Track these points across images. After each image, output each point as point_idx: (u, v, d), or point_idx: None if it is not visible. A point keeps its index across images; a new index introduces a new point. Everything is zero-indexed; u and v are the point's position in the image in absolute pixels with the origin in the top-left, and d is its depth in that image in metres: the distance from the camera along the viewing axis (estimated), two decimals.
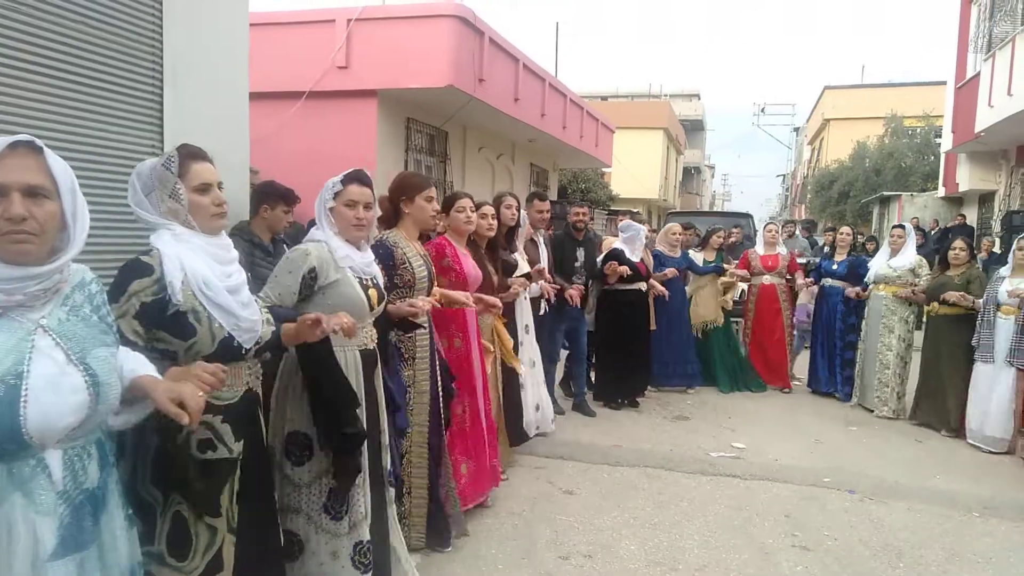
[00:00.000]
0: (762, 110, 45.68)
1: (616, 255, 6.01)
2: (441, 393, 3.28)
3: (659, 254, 6.90)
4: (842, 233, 7.35)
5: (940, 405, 5.94)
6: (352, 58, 10.03)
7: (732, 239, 11.64)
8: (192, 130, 3.33)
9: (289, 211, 4.07)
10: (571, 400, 6.26)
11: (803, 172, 41.99)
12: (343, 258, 2.48)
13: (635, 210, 28.07)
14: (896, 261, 6.48)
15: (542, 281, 5.00)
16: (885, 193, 21.39)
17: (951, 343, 5.86)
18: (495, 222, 4.10)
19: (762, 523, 3.89)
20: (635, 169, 29.22)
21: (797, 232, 13.50)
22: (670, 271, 6.65)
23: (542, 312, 5.29)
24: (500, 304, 3.77)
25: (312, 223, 5.10)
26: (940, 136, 22.63)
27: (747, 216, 13.89)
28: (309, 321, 2.11)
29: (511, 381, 4.49)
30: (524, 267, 4.71)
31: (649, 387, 6.71)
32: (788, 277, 7.37)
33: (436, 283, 3.24)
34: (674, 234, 6.94)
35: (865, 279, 6.68)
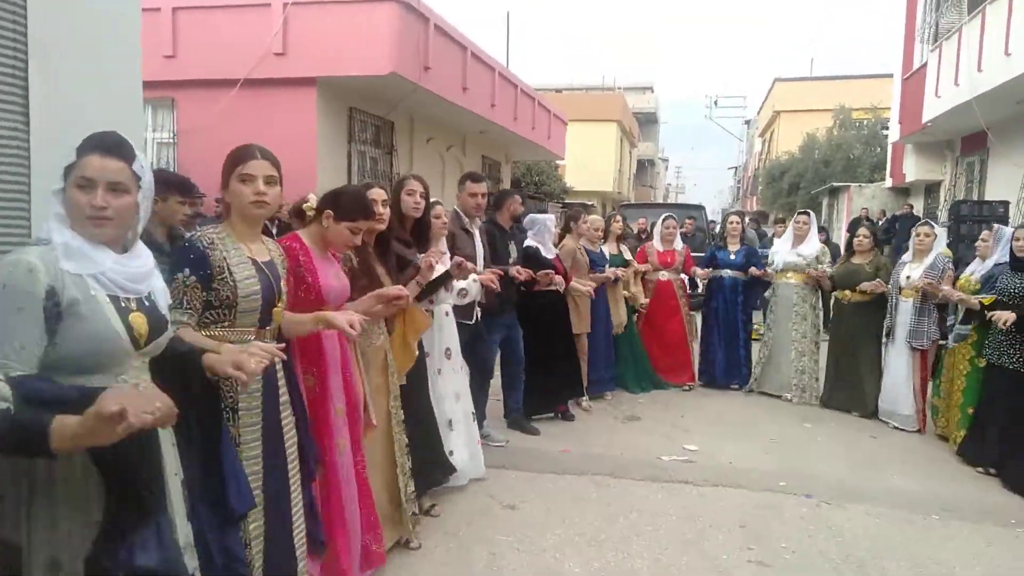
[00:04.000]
0: (715, 102, 46.04)
1: (532, 254, 5.42)
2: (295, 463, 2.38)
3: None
4: (732, 223, 7.15)
5: (854, 389, 6.12)
6: (289, 44, 9.53)
7: (684, 230, 11.59)
8: (69, 121, 2.88)
9: (185, 202, 3.64)
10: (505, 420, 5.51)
11: (754, 164, 42.47)
12: (78, 264, 1.61)
13: (590, 203, 27.99)
14: (803, 249, 6.53)
15: (476, 275, 4.18)
16: (834, 184, 21.63)
17: (861, 328, 6.11)
18: (384, 212, 3.19)
19: (716, 535, 3.63)
20: (589, 162, 29.10)
21: (745, 224, 13.47)
22: (611, 272, 6.25)
23: (474, 320, 4.60)
24: (404, 294, 2.86)
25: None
26: (887, 128, 23.01)
27: (700, 208, 13.81)
28: (105, 415, 1.32)
29: (422, 411, 3.65)
30: (440, 269, 3.80)
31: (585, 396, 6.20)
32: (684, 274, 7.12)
33: (282, 300, 2.31)
34: (596, 229, 6.40)
35: (772, 267, 6.69)
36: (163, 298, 1.82)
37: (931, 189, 16.35)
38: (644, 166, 46.70)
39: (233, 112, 9.65)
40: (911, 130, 14.38)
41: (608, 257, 6.55)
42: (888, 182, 18.52)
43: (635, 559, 3.37)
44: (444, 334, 4.00)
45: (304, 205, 2.74)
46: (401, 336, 3.34)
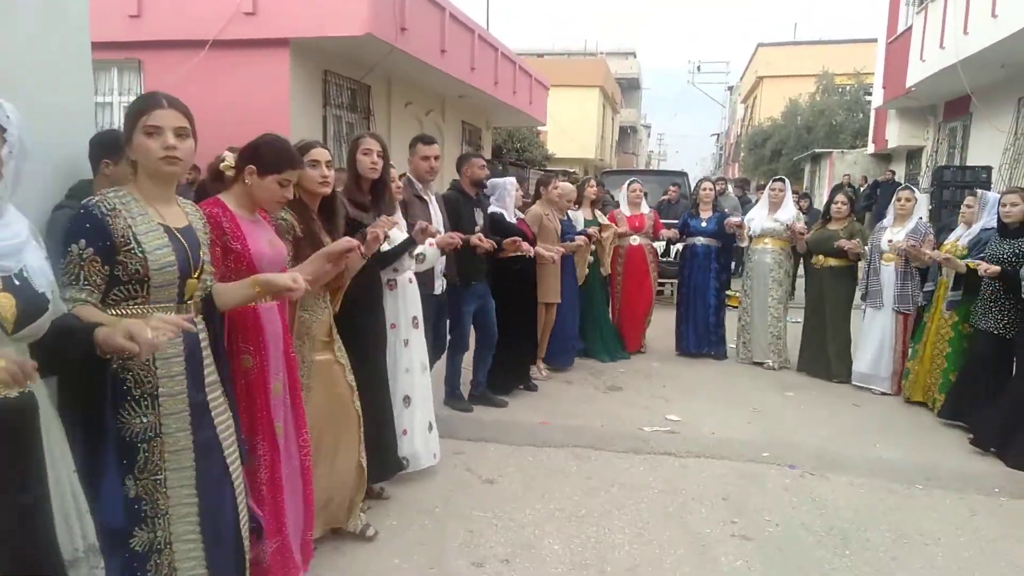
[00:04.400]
0: (697, 68, 45.63)
1: (498, 220, 5.19)
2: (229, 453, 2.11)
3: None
4: (704, 189, 7.04)
5: (828, 354, 6.17)
6: (260, 3, 9.16)
7: (667, 197, 11.42)
8: (11, 74, 2.66)
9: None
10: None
11: (736, 131, 42.30)
12: None
13: (571, 170, 27.75)
14: (780, 215, 6.51)
15: (434, 240, 3.92)
16: (817, 150, 21.57)
17: (835, 294, 6.13)
18: (329, 173, 2.84)
19: (699, 508, 3.56)
20: (571, 128, 28.78)
21: (729, 190, 13.35)
22: (581, 239, 6.05)
23: (439, 291, 4.41)
24: (354, 244, 2.57)
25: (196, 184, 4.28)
26: (870, 93, 22.92)
27: (682, 174, 13.62)
28: None
29: (376, 396, 3.35)
30: (399, 237, 3.66)
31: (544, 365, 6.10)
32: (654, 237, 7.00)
33: (204, 271, 2.05)
34: (568, 199, 6.18)
35: (749, 233, 6.62)
36: (41, 275, 1.60)
37: (913, 155, 16.33)
38: (626, 133, 46.35)
39: (202, 75, 9.31)
40: (894, 95, 14.27)
41: (582, 224, 6.44)
42: (870, 148, 18.48)
43: (616, 534, 3.28)
44: (409, 302, 3.78)
45: (221, 165, 2.47)
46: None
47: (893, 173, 16.33)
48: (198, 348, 2.02)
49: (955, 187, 9.72)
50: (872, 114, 18.17)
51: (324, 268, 2.58)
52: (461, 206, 4.77)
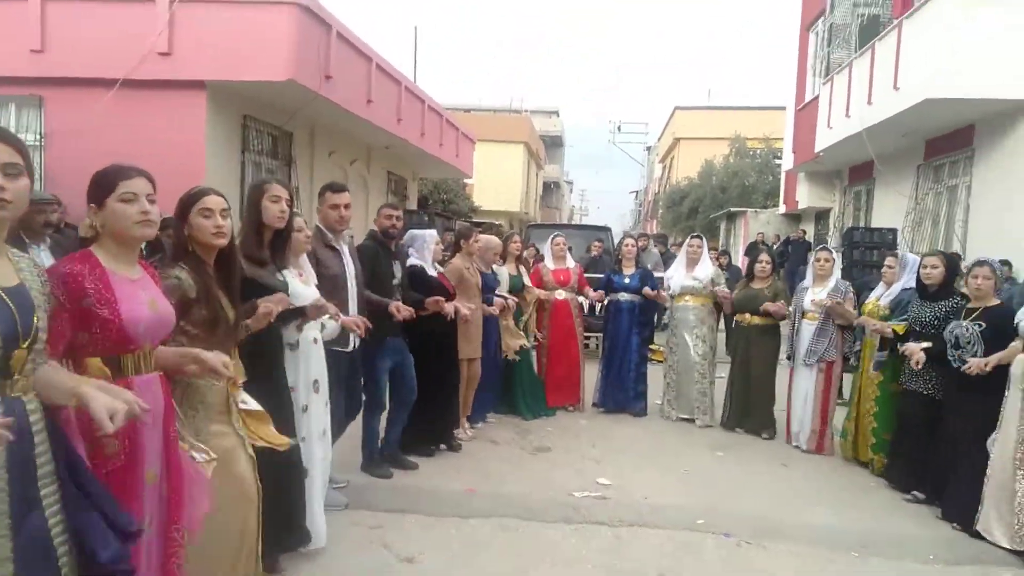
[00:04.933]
0: (618, 128, 47.17)
1: (419, 274, 4.98)
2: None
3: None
4: (627, 245, 7.07)
5: (754, 412, 6.21)
6: (176, 44, 8.78)
7: (593, 253, 11.47)
8: None
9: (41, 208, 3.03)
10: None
11: (655, 189, 43.72)
12: None
13: (497, 222, 27.88)
14: (698, 272, 6.55)
15: (338, 316, 3.59)
16: (732, 209, 22.38)
17: (761, 351, 6.19)
18: (224, 223, 2.50)
19: None
20: (497, 182, 29.07)
21: (651, 246, 13.58)
22: (499, 303, 5.84)
23: (351, 348, 4.10)
24: (227, 373, 2.25)
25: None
26: (779, 157, 24.11)
27: (606, 229, 13.80)
28: None
29: (284, 457, 2.92)
30: (305, 293, 3.38)
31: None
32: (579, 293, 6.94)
33: (38, 340, 1.69)
34: (495, 253, 6.06)
35: (669, 292, 6.70)
36: None
37: (821, 216, 17.10)
38: (550, 188, 47.23)
39: (112, 115, 8.81)
40: (804, 159, 14.97)
41: (506, 279, 6.29)
42: (782, 208, 19.29)
43: None
44: (312, 365, 3.49)
45: (83, 224, 2.17)
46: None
47: (804, 232, 17.03)
48: (28, 435, 1.65)
49: (864, 247, 10.15)
50: (783, 176, 19.03)
51: (188, 368, 2.24)
52: (378, 257, 4.54)
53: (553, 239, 6.97)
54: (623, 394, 6.78)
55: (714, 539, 3.92)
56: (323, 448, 3.60)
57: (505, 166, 30.16)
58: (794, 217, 18.73)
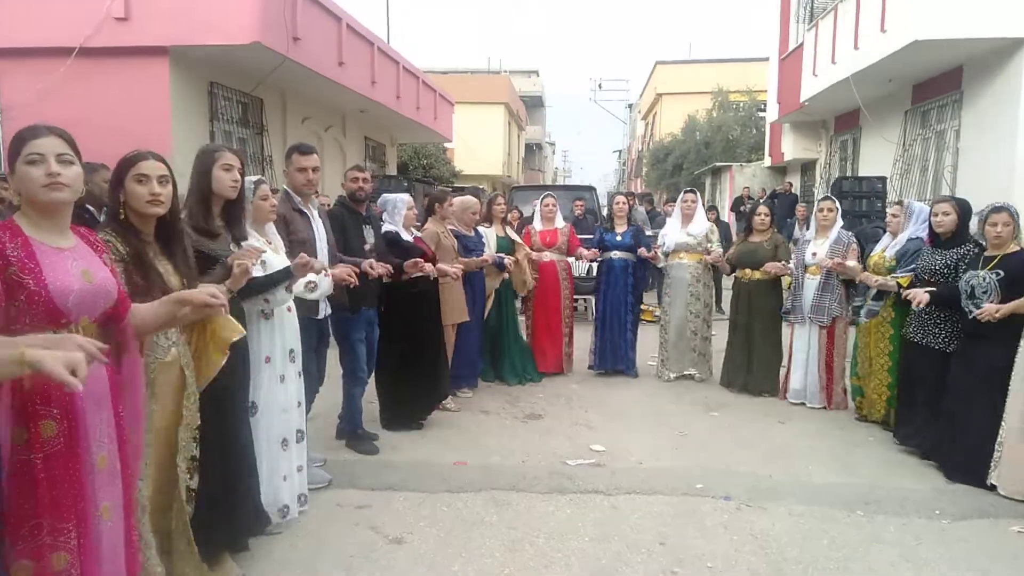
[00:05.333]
0: (599, 86, 46.59)
1: (393, 239, 4.78)
2: None
3: (457, 233, 5.71)
4: (618, 203, 6.86)
5: (756, 369, 6.03)
6: (133, 8, 8.35)
7: (577, 213, 11.22)
8: None
9: None
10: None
11: (638, 147, 43.32)
12: None
13: (480, 187, 27.51)
14: (693, 228, 6.40)
15: (327, 271, 3.63)
16: (717, 164, 22.13)
17: (762, 308, 6.00)
18: (166, 190, 2.30)
19: (634, 559, 3.18)
20: (478, 145, 28.58)
21: (636, 204, 13.36)
22: (488, 255, 5.70)
23: (323, 315, 3.95)
24: (219, 300, 2.16)
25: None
26: (763, 109, 23.81)
27: (591, 189, 13.51)
28: None
29: (233, 445, 2.89)
30: (276, 261, 3.23)
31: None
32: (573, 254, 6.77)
33: None
34: (472, 212, 5.85)
35: (663, 248, 6.52)
36: None
37: (807, 167, 16.92)
38: (532, 150, 46.66)
39: (70, 86, 8.44)
40: (788, 110, 14.71)
41: (494, 241, 6.11)
42: (767, 161, 19.07)
43: None
44: (287, 333, 3.39)
45: (10, 191, 1.95)
46: (204, 348, 2.64)
47: (790, 184, 16.87)
48: None
49: (853, 197, 9.98)
50: (767, 129, 18.77)
51: (179, 313, 2.15)
52: (347, 222, 4.37)
53: (543, 200, 6.78)
54: (619, 355, 6.64)
55: (712, 503, 3.77)
56: (299, 418, 3.49)
57: (485, 128, 29.65)
58: (780, 170, 18.55)
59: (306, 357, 3.64)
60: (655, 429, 5.15)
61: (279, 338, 3.34)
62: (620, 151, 59.63)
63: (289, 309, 3.42)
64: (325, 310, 3.98)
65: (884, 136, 11.67)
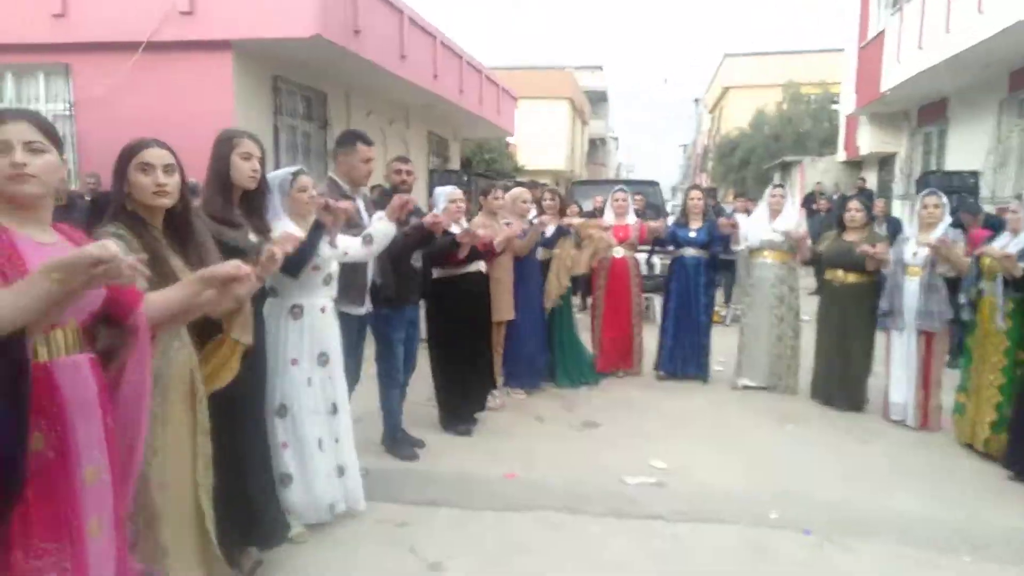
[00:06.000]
0: (665, 80, 45.58)
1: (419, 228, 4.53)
2: None
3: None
4: (693, 198, 6.37)
5: (845, 380, 5.49)
6: (198, 2, 8.37)
7: (636, 208, 10.76)
8: None
9: None
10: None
11: (703, 141, 42.16)
12: None
13: (541, 181, 27.18)
14: (779, 224, 5.90)
15: (382, 214, 3.51)
16: (787, 158, 21.19)
17: (856, 313, 5.42)
18: (172, 180, 2.12)
19: None
20: (541, 140, 28.27)
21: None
22: (542, 219, 5.58)
23: (364, 311, 3.78)
24: (245, 271, 1.96)
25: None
26: (836, 102, 22.70)
27: (654, 184, 13.05)
28: None
29: (247, 449, 2.76)
30: (325, 253, 3.18)
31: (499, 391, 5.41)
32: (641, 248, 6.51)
33: None
34: (523, 201, 5.54)
35: (747, 245, 6.07)
36: None
37: (885, 162, 15.96)
38: (596, 144, 46.00)
39: (137, 80, 8.54)
40: (867, 100, 13.87)
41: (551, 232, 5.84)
42: (841, 155, 18.12)
43: None
44: (317, 335, 3.20)
45: None
46: (223, 351, 2.46)
47: (863, 180, 15.94)
48: None
49: (945, 193, 9.21)
50: (842, 121, 17.83)
51: (203, 296, 1.95)
52: None
53: (614, 194, 6.50)
54: (691, 359, 6.25)
55: (791, 537, 3.36)
56: (340, 422, 3.32)
57: (549, 123, 29.30)
58: (855, 164, 17.58)
59: (346, 356, 3.44)
60: (722, 443, 4.75)
61: (307, 339, 3.16)
62: (686, 146, 58.33)
63: (323, 310, 3.23)
64: (367, 306, 3.79)
65: (976, 127, 10.82)
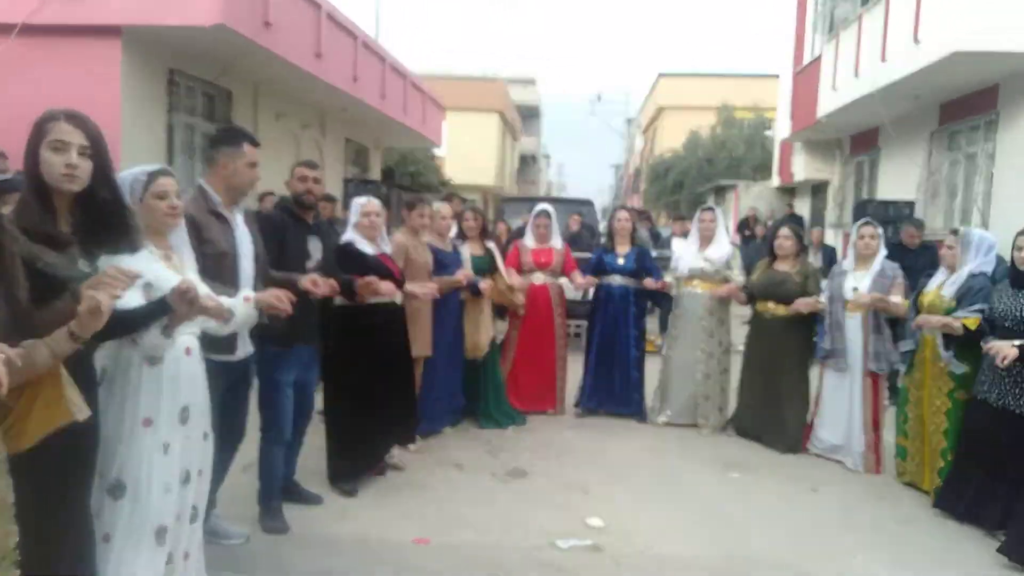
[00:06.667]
0: (598, 98, 45.88)
1: (352, 253, 3.86)
2: None
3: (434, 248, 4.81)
4: (620, 219, 5.79)
5: (775, 419, 5.12)
6: None
7: (573, 228, 10.25)
8: None
9: None
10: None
11: (636, 162, 42.55)
12: None
13: (470, 197, 26.55)
14: (712, 252, 5.46)
15: (247, 295, 2.70)
16: (721, 182, 21.27)
17: (787, 349, 5.10)
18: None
19: None
20: (470, 153, 27.68)
21: (636, 223, 12.48)
22: (462, 274, 4.74)
23: (241, 357, 2.95)
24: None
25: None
26: (769, 128, 23.03)
27: (588, 203, 12.58)
28: None
29: (65, 545, 2.01)
30: (175, 281, 2.22)
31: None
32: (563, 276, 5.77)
33: None
34: (443, 218, 4.95)
35: (675, 274, 5.57)
36: None
37: (818, 189, 16.06)
38: (527, 161, 45.83)
39: (10, 67, 7.48)
40: (802, 126, 13.86)
41: (469, 261, 5.08)
42: (775, 181, 18.22)
43: None
44: (180, 386, 2.39)
45: None
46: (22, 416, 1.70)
47: (791, 207, 16.01)
48: None
49: (879, 223, 9.06)
50: (776, 147, 17.94)
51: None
52: (287, 231, 3.36)
53: (537, 215, 5.70)
54: (615, 396, 5.66)
55: None
56: (194, 494, 2.49)
57: (478, 137, 28.72)
58: (788, 190, 17.69)
59: (215, 412, 2.64)
60: (664, 496, 4.19)
61: (168, 393, 2.35)
62: (618, 166, 58.95)
63: (188, 352, 2.44)
64: (245, 349, 2.98)
65: (907, 158, 10.80)
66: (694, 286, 5.47)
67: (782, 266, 5.18)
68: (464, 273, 4.77)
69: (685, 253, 5.62)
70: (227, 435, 2.94)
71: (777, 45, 17.35)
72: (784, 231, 5.30)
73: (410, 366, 4.28)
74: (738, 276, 5.43)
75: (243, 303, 2.65)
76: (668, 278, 5.66)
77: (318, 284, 3.12)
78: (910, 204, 9.37)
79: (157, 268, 2.31)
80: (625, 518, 3.82)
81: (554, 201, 15.82)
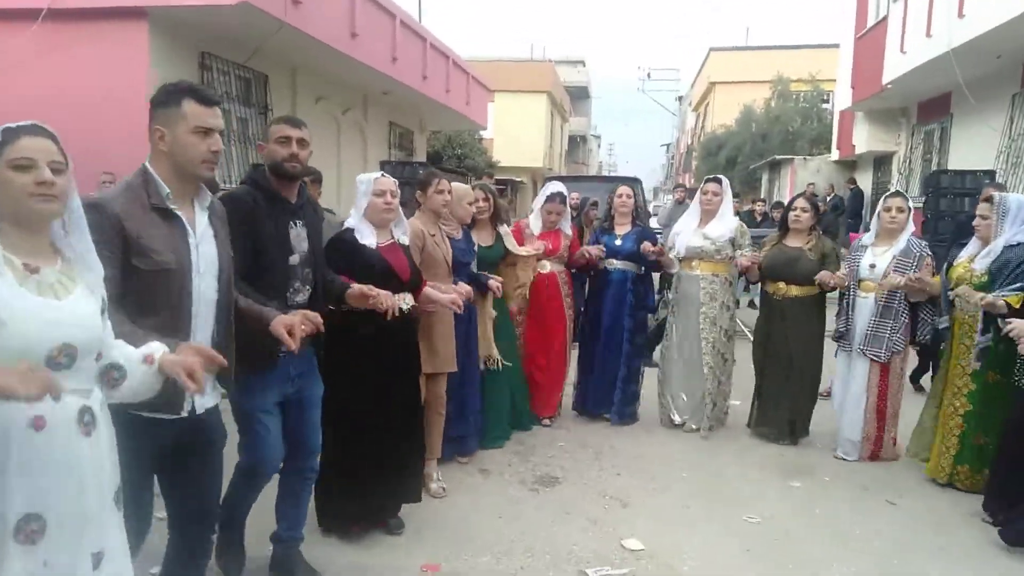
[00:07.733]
0: (648, 75, 44.68)
1: (347, 246, 3.09)
2: None
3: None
4: (620, 195, 5.11)
5: (789, 408, 4.70)
6: None
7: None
8: None
9: None
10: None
11: (687, 140, 41.32)
12: None
13: (518, 179, 26.08)
14: (712, 229, 4.83)
15: (154, 354, 1.74)
16: (777, 157, 20.27)
17: (801, 333, 4.62)
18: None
19: None
20: (518, 135, 27.18)
21: (686, 199, 11.81)
22: (493, 281, 4.12)
23: (185, 412, 2.03)
24: None
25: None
26: (826, 100, 21.84)
27: (636, 180, 11.96)
28: None
29: None
30: (42, 312, 1.53)
31: None
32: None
33: None
34: (467, 202, 4.11)
35: (671, 254, 4.93)
36: None
37: (881, 161, 15.08)
38: (576, 142, 44.99)
39: (38, 52, 7.39)
40: (864, 95, 12.95)
41: (476, 248, 4.23)
42: (835, 154, 17.23)
43: None
44: (84, 465, 1.58)
45: None
46: None
47: (853, 181, 15.08)
48: None
49: (954, 195, 8.26)
50: (836, 118, 16.93)
51: None
52: (260, 216, 2.56)
53: (548, 202, 4.92)
54: (607, 395, 5.03)
55: None
56: None
57: (527, 118, 28.15)
58: (849, 164, 16.70)
59: (129, 490, 1.78)
60: (715, 510, 3.72)
61: (53, 480, 1.52)
62: (668, 145, 57.52)
63: (87, 416, 1.60)
64: (191, 402, 2.04)
65: (984, 124, 9.89)
66: (692, 268, 4.85)
67: (794, 241, 4.63)
68: (495, 282, 4.13)
69: (683, 230, 4.94)
70: (244, 477, 2.53)
71: (836, 10, 16.28)
72: (800, 202, 4.75)
73: (416, 392, 3.40)
74: (747, 250, 4.81)
75: (141, 363, 1.73)
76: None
77: (293, 332, 2.25)
78: (990, 174, 8.50)
79: (6, 291, 1.47)
80: (667, 539, 3.37)
81: (601, 180, 15.25)
